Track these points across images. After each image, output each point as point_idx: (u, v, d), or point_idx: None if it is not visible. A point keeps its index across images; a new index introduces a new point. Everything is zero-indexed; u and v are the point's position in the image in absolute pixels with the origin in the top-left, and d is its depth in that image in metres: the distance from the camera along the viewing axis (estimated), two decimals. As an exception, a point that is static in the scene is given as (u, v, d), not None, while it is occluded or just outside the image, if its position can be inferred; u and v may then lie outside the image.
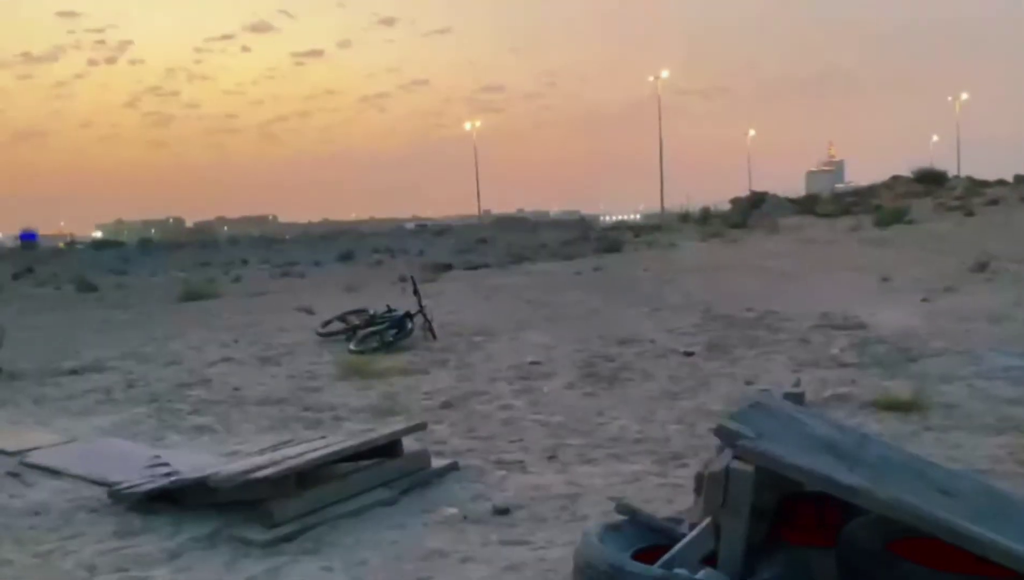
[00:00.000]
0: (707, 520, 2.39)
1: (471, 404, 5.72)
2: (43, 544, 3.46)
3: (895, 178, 36.86)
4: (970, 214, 23.90)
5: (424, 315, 8.74)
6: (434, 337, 8.54)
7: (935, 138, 75.27)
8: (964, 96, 62.21)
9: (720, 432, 2.43)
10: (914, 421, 4.74)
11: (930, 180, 33.66)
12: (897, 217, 23.59)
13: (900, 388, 5.30)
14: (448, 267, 19.97)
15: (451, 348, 8.04)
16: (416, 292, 8.97)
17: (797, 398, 3.01)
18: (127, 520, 3.67)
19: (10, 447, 4.88)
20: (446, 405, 5.70)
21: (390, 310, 9.11)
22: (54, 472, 4.41)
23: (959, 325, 7.77)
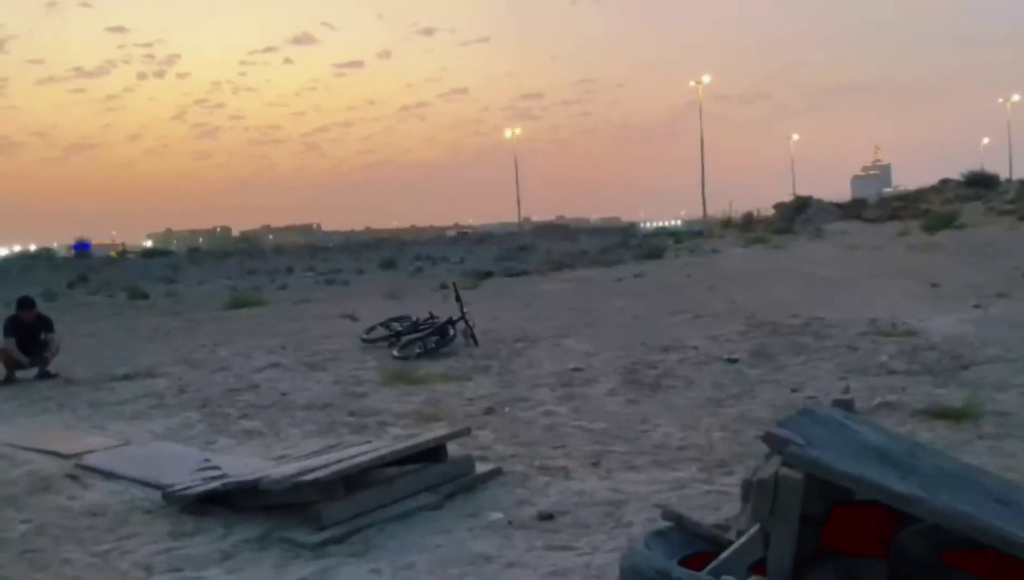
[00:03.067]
0: (755, 527, 2.37)
1: (514, 410, 5.74)
2: (101, 544, 3.56)
3: (944, 182, 36.02)
4: (1023, 218, 23.24)
5: (466, 322, 8.79)
6: (476, 343, 8.58)
7: (985, 140, 73.35)
8: (1016, 97, 60.31)
9: (769, 439, 2.41)
10: (967, 430, 4.64)
11: (981, 183, 32.80)
12: (947, 222, 23.06)
13: (952, 396, 5.19)
14: (489, 274, 20.06)
15: (493, 354, 8.07)
16: (458, 299, 9.03)
17: (846, 405, 2.97)
18: (180, 521, 3.76)
19: (67, 450, 5.03)
20: (489, 411, 5.73)
21: (432, 317, 9.18)
22: (109, 474, 4.54)
23: (1012, 332, 7.57)
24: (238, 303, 15.38)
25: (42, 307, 9.02)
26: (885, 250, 18.39)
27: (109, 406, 6.58)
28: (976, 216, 24.76)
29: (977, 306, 9.22)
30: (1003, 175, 38.76)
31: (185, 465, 4.47)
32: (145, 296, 20.00)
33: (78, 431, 5.75)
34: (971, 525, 2.23)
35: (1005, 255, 14.34)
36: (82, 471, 4.63)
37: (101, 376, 7.90)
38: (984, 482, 2.72)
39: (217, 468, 4.32)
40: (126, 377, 7.80)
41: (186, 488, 3.97)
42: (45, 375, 7.98)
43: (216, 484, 3.92)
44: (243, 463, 4.47)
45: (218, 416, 6.02)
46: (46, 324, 8.21)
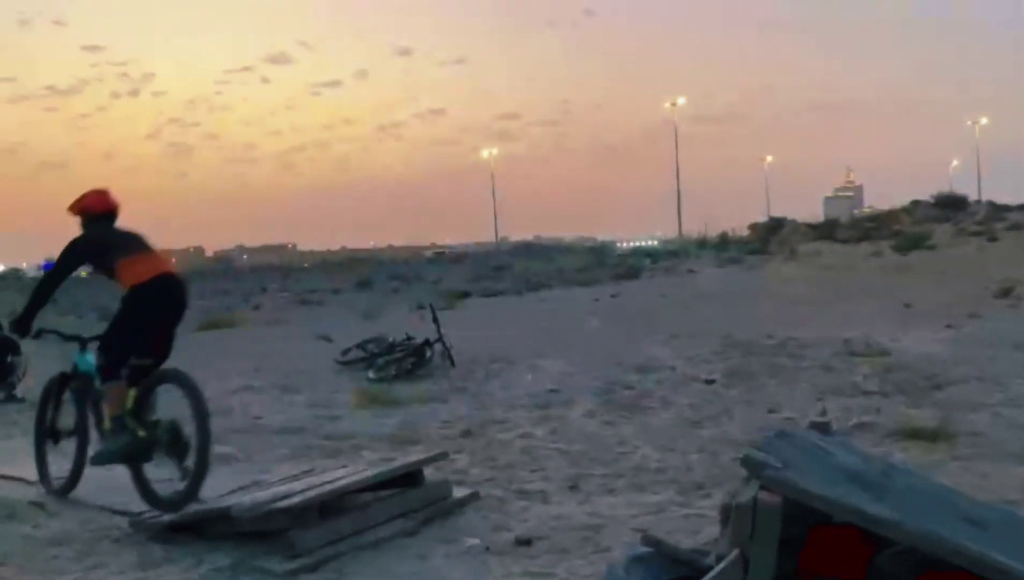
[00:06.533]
0: (735, 552, 2.36)
1: (490, 433, 5.70)
2: (66, 575, 3.46)
3: (915, 203, 36.59)
4: (992, 239, 23.64)
5: (443, 343, 8.75)
6: (453, 365, 8.53)
7: (955, 163, 74.64)
8: (984, 120, 61.61)
9: (746, 462, 2.41)
10: (940, 450, 4.67)
11: (951, 205, 33.36)
12: (918, 243, 23.38)
13: (925, 416, 5.23)
14: (466, 294, 20.00)
15: (469, 376, 8.02)
16: (435, 320, 8.99)
17: (823, 427, 2.98)
18: (149, 551, 3.67)
19: (33, 476, 4.90)
20: (466, 434, 5.68)
21: (409, 338, 9.13)
22: (76, 502, 4.43)
23: (984, 352, 7.67)
24: (211, 324, 15.17)
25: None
26: (858, 270, 18.62)
27: (77, 430, 6.42)
28: (946, 237, 25.13)
29: (949, 326, 9.34)
30: (972, 197, 39.45)
31: (155, 491, 4.36)
32: (116, 317, 19.71)
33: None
34: (945, 547, 2.23)
35: (975, 276, 14.57)
36: (48, 498, 4.52)
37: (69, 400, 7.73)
38: (957, 503, 2.73)
39: (188, 494, 4.22)
40: (95, 400, 7.63)
41: (155, 516, 3.88)
42: (12, 399, 7.80)
43: (186, 511, 3.84)
44: (214, 489, 4.38)
45: (190, 440, 5.90)
46: (13, 346, 8.04)
